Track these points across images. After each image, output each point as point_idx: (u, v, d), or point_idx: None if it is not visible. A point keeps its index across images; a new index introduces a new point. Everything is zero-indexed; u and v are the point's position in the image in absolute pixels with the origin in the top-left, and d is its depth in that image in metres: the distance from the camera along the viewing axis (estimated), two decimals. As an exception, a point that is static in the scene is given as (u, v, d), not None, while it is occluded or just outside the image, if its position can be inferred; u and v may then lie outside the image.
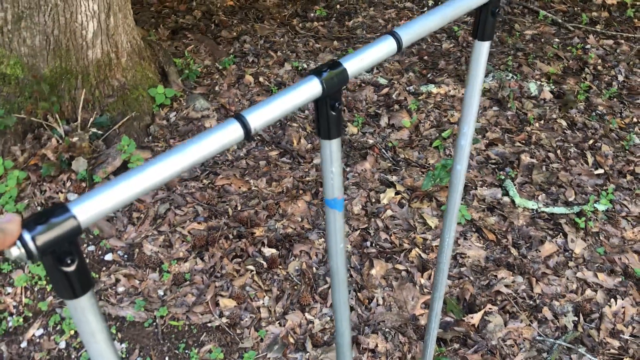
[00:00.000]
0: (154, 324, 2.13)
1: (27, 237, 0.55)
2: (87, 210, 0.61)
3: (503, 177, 2.86)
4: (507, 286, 2.35)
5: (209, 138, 0.72)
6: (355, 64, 0.84)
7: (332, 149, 0.90)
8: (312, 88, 0.80)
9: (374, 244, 2.47)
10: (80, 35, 2.64)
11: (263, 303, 2.22)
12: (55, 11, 2.54)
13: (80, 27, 2.62)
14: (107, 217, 2.44)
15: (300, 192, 2.70)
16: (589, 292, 2.36)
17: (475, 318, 2.21)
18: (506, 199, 2.76)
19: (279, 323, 2.16)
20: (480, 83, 1.15)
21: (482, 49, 1.10)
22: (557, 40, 4.13)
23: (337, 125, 0.87)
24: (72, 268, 0.61)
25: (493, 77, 3.62)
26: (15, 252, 0.56)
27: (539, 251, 2.50)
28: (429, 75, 3.65)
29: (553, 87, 3.59)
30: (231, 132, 0.74)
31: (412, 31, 0.90)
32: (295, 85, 0.80)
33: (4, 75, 2.65)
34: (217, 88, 3.35)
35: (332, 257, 1.04)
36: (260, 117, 0.77)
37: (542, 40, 4.13)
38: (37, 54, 2.61)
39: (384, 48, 0.88)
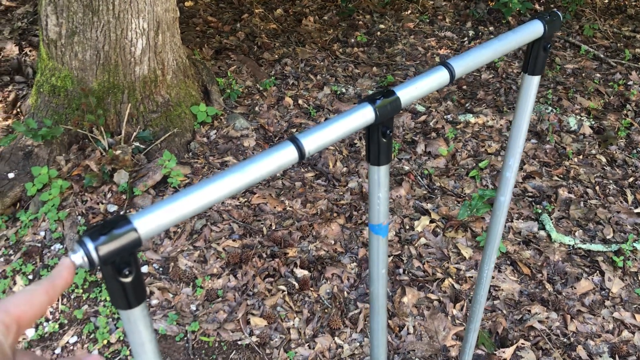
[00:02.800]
0: (185, 338, 2.15)
1: (90, 246, 0.58)
2: (148, 223, 0.63)
3: (540, 211, 2.83)
4: (540, 322, 2.31)
5: (266, 159, 0.74)
6: (409, 92, 0.86)
7: (381, 175, 0.91)
8: (365, 115, 0.82)
9: (406, 272, 2.46)
10: (129, 51, 2.72)
11: (293, 324, 2.22)
12: (107, 27, 2.63)
13: (130, 44, 2.71)
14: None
15: (335, 215, 2.71)
16: (626, 334, 2.30)
17: (507, 353, 2.17)
18: (542, 233, 2.72)
19: (308, 345, 2.16)
20: (529, 116, 1.15)
21: (532, 83, 1.10)
22: (598, 75, 4.10)
23: (387, 152, 0.88)
24: (129, 279, 0.63)
25: (532, 110, 3.59)
26: (78, 260, 0.58)
27: (575, 288, 2.46)
28: (467, 105, 3.64)
29: (593, 122, 3.55)
30: (287, 154, 0.76)
31: (465, 63, 0.92)
32: (349, 112, 0.82)
33: (54, 87, 2.74)
34: (257, 108, 3.41)
35: (373, 282, 1.04)
36: (315, 141, 0.79)
37: (583, 74, 4.09)
38: (87, 67, 2.70)
39: (437, 78, 0.89)
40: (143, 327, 0.69)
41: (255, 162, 0.73)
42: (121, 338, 2.15)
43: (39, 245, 2.44)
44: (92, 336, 2.16)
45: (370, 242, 1.00)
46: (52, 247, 2.42)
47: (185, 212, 0.67)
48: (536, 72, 1.08)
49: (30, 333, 2.18)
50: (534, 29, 1.01)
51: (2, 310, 0.47)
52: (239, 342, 2.15)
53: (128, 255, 0.61)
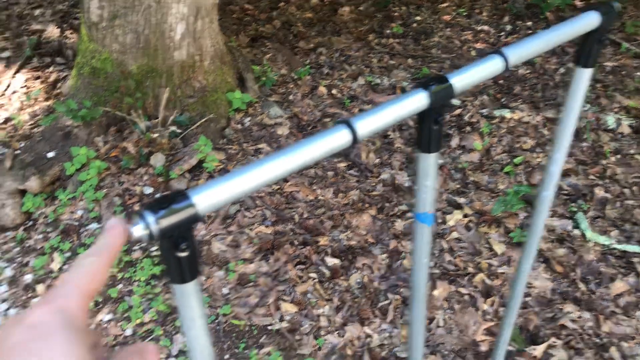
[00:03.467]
0: (217, 321, 2.17)
1: (150, 219, 0.59)
2: (206, 199, 0.64)
3: (575, 209, 2.79)
4: (573, 321, 2.28)
5: (320, 141, 0.75)
6: (462, 80, 0.85)
7: (430, 162, 0.90)
8: (419, 100, 0.81)
9: (437, 265, 2.45)
10: (168, 36, 2.74)
11: (323, 312, 2.23)
12: (148, 12, 2.66)
13: (169, 29, 2.73)
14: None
15: (366, 205, 2.71)
16: (660, 337, 2.26)
17: (539, 350, 2.15)
18: (577, 232, 2.68)
19: (337, 333, 2.17)
20: (578, 110, 1.13)
21: (584, 76, 1.08)
22: (638, 73, 4.00)
23: (438, 140, 0.88)
24: (185, 254, 0.64)
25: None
26: (138, 232, 0.59)
27: (609, 288, 2.42)
28: (503, 100, 3.60)
29: (632, 121, 3.48)
30: (340, 138, 0.76)
31: (520, 52, 0.91)
32: (403, 97, 0.82)
33: (94, 70, 2.78)
34: (291, 97, 3.41)
35: (415, 271, 1.04)
36: (368, 124, 0.78)
37: (623, 72, 4.00)
38: (127, 51, 2.73)
39: (491, 66, 0.88)
40: (195, 302, 0.70)
41: (309, 144, 0.74)
42: (154, 318, 2.18)
43: (77, 223, 2.49)
44: (126, 315, 2.20)
45: (415, 231, 1.00)
46: (89, 226, 2.47)
47: (241, 190, 0.68)
48: (589, 64, 1.06)
49: (66, 309, 2.23)
50: (590, 20, 0.99)
51: (73, 287, 0.47)
52: (269, 327, 2.17)
53: (186, 230, 0.62)
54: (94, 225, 2.47)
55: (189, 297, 0.69)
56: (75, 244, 2.43)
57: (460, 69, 0.87)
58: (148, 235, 0.59)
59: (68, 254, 2.40)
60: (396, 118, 0.81)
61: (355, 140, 0.77)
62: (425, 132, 0.87)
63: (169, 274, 0.66)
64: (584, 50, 1.05)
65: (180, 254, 0.64)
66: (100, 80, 2.78)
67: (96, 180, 2.54)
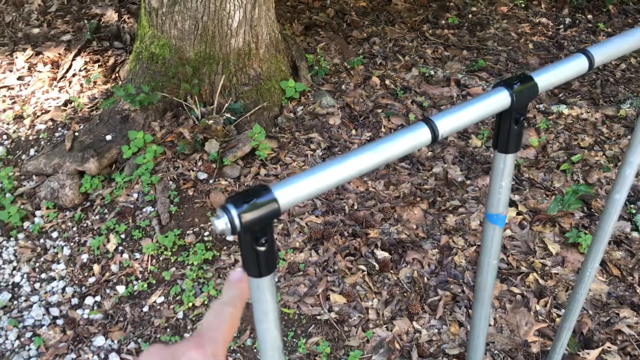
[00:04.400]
0: (266, 308, 2.19)
1: (233, 213, 0.59)
2: (288, 194, 0.63)
3: (634, 211, 2.70)
4: (629, 326, 2.21)
5: (400, 138, 0.74)
6: (547, 79, 0.82)
7: (507, 163, 0.88)
8: (501, 99, 0.79)
9: (489, 262, 2.41)
10: (226, 23, 2.76)
11: (372, 305, 2.23)
12: (207, -1, 2.68)
13: (227, 16, 2.75)
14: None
15: (418, 199, 2.69)
16: None
17: (592, 355, 2.10)
18: (635, 234, 2.60)
19: (386, 327, 2.16)
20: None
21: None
22: None
23: (517, 140, 0.85)
24: (264, 248, 0.64)
25: (631, 104, 3.42)
26: (222, 225, 0.60)
27: (669, 295, 2.34)
28: (560, 95, 3.50)
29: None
30: (420, 135, 0.75)
31: (606, 51, 0.87)
32: (485, 95, 0.80)
33: (152, 55, 2.82)
34: (343, 87, 3.40)
35: (482, 271, 1.02)
36: (449, 123, 0.77)
37: (690, 70, 3.84)
38: (185, 37, 2.77)
39: (576, 66, 0.85)
40: (270, 295, 0.70)
41: (389, 142, 0.73)
42: (205, 302, 2.22)
43: (132, 206, 2.54)
44: (178, 298, 2.24)
45: (485, 231, 0.98)
46: (144, 210, 2.52)
47: (322, 185, 0.67)
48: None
49: (121, 289, 2.29)
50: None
51: (220, 335, 0.54)
52: (318, 317, 2.18)
53: (266, 225, 0.62)
54: (149, 209, 2.52)
55: (264, 291, 0.69)
56: (131, 226, 2.49)
57: (543, 67, 0.84)
58: (231, 229, 0.60)
59: (123, 236, 2.46)
60: (477, 117, 0.79)
61: (435, 138, 0.75)
62: (504, 132, 0.84)
63: (247, 267, 0.67)
64: (670, 50, 1.01)
65: (259, 248, 0.64)
66: (159, 65, 2.82)
67: (152, 164, 2.59)
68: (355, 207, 2.63)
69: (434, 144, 0.80)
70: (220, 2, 2.69)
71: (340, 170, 0.69)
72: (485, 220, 0.97)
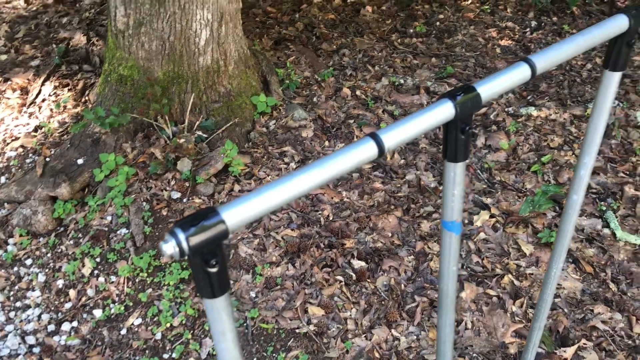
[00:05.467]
0: (245, 324, 2.19)
1: (181, 236, 0.60)
2: (236, 215, 0.65)
3: (604, 208, 2.74)
4: (604, 322, 2.25)
5: (346, 155, 0.75)
6: (489, 88, 0.85)
7: (457, 171, 0.91)
8: (445, 111, 0.82)
9: (464, 266, 2.44)
10: (193, 42, 2.77)
11: (350, 315, 2.24)
12: (173, 18, 2.69)
13: (194, 35, 2.76)
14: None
15: (392, 207, 2.71)
16: (695, 338, 2.21)
17: (569, 352, 2.12)
18: (606, 231, 2.64)
19: (365, 336, 2.17)
20: (607, 114, 1.12)
21: (613, 80, 1.07)
22: (669, 68, 3.92)
23: (464, 149, 0.88)
24: (215, 269, 0.65)
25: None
26: (170, 249, 0.61)
27: (641, 289, 2.38)
28: (529, 98, 3.56)
29: (663, 117, 3.41)
30: (366, 150, 0.77)
31: (547, 58, 0.90)
32: (429, 108, 0.82)
33: (121, 77, 2.82)
34: (315, 99, 3.42)
35: (443, 278, 1.04)
36: (395, 137, 0.79)
37: (653, 67, 3.93)
38: (153, 58, 2.77)
39: (518, 74, 0.88)
40: (225, 316, 0.71)
41: (336, 158, 0.75)
42: (183, 322, 2.21)
43: (106, 229, 2.53)
44: (155, 319, 2.23)
45: (443, 239, 1.00)
46: (119, 232, 2.51)
47: (270, 205, 0.69)
48: (618, 68, 1.05)
49: (98, 314, 2.27)
50: (619, 24, 0.98)
51: None
52: (297, 330, 2.18)
53: (215, 247, 0.63)
54: (123, 231, 2.51)
55: (219, 312, 0.70)
56: (105, 249, 2.47)
57: (486, 77, 0.87)
58: (179, 253, 0.61)
59: (98, 259, 2.44)
60: (422, 129, 0.81)
61: (381, 152, 0.77)
62: (452, 141, 0.87)
63: (200, 289, 0.68)
64: (612, 53, 1.04)
65: (210, 270, 0.65)
66: (127, 87, 2.82)
67: (124, 186, 2.58)
68: (331, 218, 2.64)
69: (381, 157, 0.82)
70: (186, 22, 2.71)
71: (287, 188, 0.70)
72: (442, 229, 0.99)
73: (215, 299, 0.68)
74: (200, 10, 2.71)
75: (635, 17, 0.97)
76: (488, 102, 3.47)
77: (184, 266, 2.39)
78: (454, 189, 0.92)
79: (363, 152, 0.76)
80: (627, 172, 2.99)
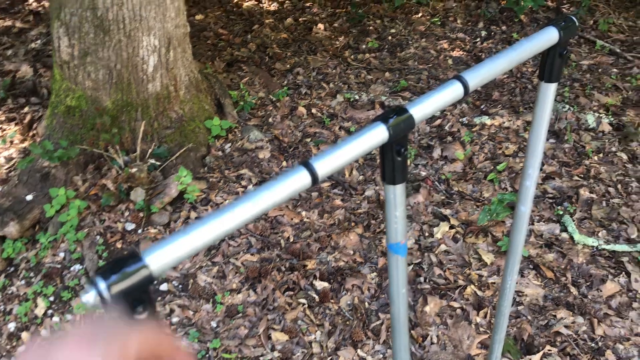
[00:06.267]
0: (207, 355, 2.14)
1: (102, 285, 0.56)
2: (159, 259, 0.61)
3: (561, 212, 2.78)
4: (567, 327, 2.26)
5: (279, 185, 0.73)
6: (422, 109, 0.84)
7: (397, 193, 0.89)
8: (378, 134, 0.80)
9: (427, 280, 2.43)
10: (141, 69, 2.73)
11: (315, 338, 2.20)
12: (119, 46, 2.64)
13: (142, 62, 2.72)
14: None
15: (352, 224, 2.69)
16: (655, 336, 2.24)
17: (534, 360, 2.13)
18: (565, 235, 2.67)
19: (330, 359, 2.13)
20: (547, 125, 1.12)
21: (549, 91, 1.07)
22: (615, 70, 4.03)
23: (402, 171, 0.86)
24: (142, 316, 0.62)
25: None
26: (91, 299, 0.57)
27: (601, 290, 2.41)
28: (482, 107, 3.60)
29: (612, 119, 3.49)
30: (299, 180, 0.74)
31: (479, 75, 0.89)
32: (362, 132, 0.80)
33: (68, 108, 2.76)
34: (270, 119, 3.40)
35: (393, 302, 1.02)
36: (328, 164, 0.77)
37: (600, 70, 4.03)
38: (101, 87, 2.71)
39: (451, 93, 0.87)
40: None
41: (268, 190, 0.72)
42: (143, 357, 2.14)
43: (59, 266, 2.45)
44: None
45: (389, 262, 0.98)
46: (72, 268, 2.43)
47: (197, 245, 0.65)
48: (553, 79, 1.05)
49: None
50: (549, 36, 0.98)
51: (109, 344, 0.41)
52: (261, 358, 2.14)
53: (142, 293, 0.60)
54: (77, 267, 2.43)
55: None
56: (59, 287, 2.39)
57: (419, 97, 0.85)
58: (101, 302, 0.57)
59: (52, 298, 2.36)
60: (357, 154, 0.79)
61: (315, 180, 0.75)
62: (389, 164, 0.85)
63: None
64: (546, 65, 1.05)
65: (137, 317, 0.62)
66: (76, 118, 2.76)
67: (77, 220, 2.51)
68: (291, 240, 2.61)
69: (315, 185, 0.80)
70: (132, 49, 2.66)
71: (215, 226, 0.67)
72: (387, 251, 0.97)
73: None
74: (147, 36, 2.67)
75: (565, 29, 0.97)
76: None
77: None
78: (396, 211, 0.90)
79: (296, 182, 0.74)
80: (582, 175, 3.04)
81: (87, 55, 2.64)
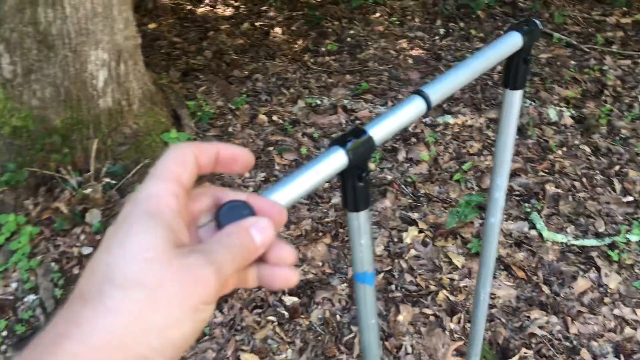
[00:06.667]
0: None
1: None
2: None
3: (529, 210, 2.76)
4: (541, 327, 2.23)
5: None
6: (382, 130, 0.76)
7: (361, 221, 0.82)
8: (336, 160, 0.72)
9: (399, 287, 2.37)
10: (90, 84, 2.61)
11: (286, 356, 2.12)
12: (65, 62, 2.52)
13: (91, 77, 2.60)
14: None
15: (320, 234, 2.62)
16: (628, 330, 2.23)
17: (511, 364, 2.09)
18: (534, 232, 2.66)
19: (304, 377, 2.06)
20: (514, 133, 1.07)
21: (515, 98, 1.02)
22: (573, 62, 4.06)
23: (365, 197, 0.79)
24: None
25: (511, 105, 3.54)
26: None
27: (572, 288, 2.39)
28: (444, 106, 3.57)
29: (573, 111, 3.51)
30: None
31: (441, 88, 0.83)
32: (318, 159, 0.73)
33: (15, 129, 2.62)
34: (230, 129, 3.31)
35: (363, 332, 0.95)
36: (284, 196, 0.69)
37: (558, 63, 4.05)
38: (48, 105, 2.59)
39: (413, 109, 0.80)
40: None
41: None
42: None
43: (11, 297, 2.32)
44: None
45: (357, 292, 0.90)
46: (26, 299, 2.30)
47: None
48: (518, 86, 1.00)
49: None
50: (512, 42, 0.92)
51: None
52: (231, 382, 2.05)
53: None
54: (31, 297, 2.30)
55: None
56: (12, 321, 2.26)
57: (378, 116, 0.79)
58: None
59: (5, 333, 2.22)
60: (314, 184, 0.72)
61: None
62: (350, 191, 0.78)
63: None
64: (511, 72, 0.99)
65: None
66: (23, 139, 2.62)
67: (29, 247, 2.38)
68: (258, 254, 2.52)
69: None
70: (80, 64, 2.54)
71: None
72: (354, 281, 0.90)
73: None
74: (95, 50, 2.55)
75: (529, 34, 0.92)
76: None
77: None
78: (361, 239, 0.83)
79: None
80: (547, 171, 3.04)
81: (32, 73, 2.51)
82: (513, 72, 0.98)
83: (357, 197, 0.78)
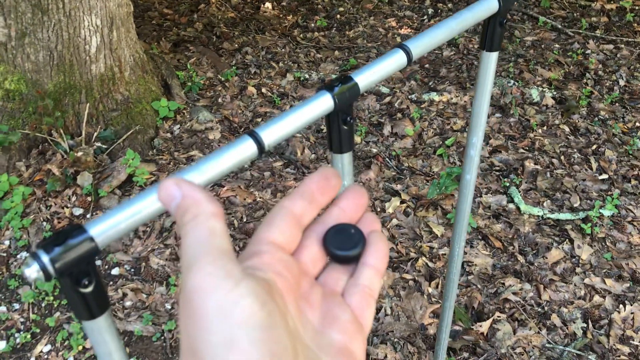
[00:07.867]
0: (162, 337, 2.12)
1: (45, 259, 0.55)
2: (104, 231, 0.60)
3: (508, 184, 2.86)
4: (514, 294, 2.34)
5: (223, 155, 0.72)
6: (366, 77, 0.84)
7: (344, 162, 0.90)
8: (324, 103, 0.80)
9: (380, 254, 2.46)
10: (83, 50, 2.65)
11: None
12: (59, 26, 2.55)
13: (84, 42, 2.63)
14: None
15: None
16: (597, 298, 2.35)
17: (484, 326, 2.20)
18: (511, 205, 2.76)
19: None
20: (489, 94, 1.15)
21: (490, 60, 1.10)
22: (557, 46, 4.15)
23: (348, 140, 0.87)
24: (89, 289, 0.61)
25: (495, 84, 3.62)
26: (33, 274, 0.56)
27: (546, 258, 2.50)
28: (430, 83, 3.65)
29: (555, 93, 3.60)
30: (245, 149, 0.74)
31: (422, 44, 0.91)
32: (307, 101, 0.80)
33: (7, 92, 2.66)
34: (220, 100, 3.36)
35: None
36: (274, 133, 0.77)
37: (543, 46, 4.14)
38: (41, 69, 2.62)
39: (394, 61, 0.88)
40: (109, 336, 0.67)
41: (213, 160, 0.71)
42: (96, 343, 2.11)
43: (4, 254, 2.38)
44: (66, 343, 2.12)
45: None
46: (18, 256, 2.36)
47: (142, 216, 0.64)
48: (494, 48, 1.08)
49: (2, 345, 2.13)
50: (489, 6, 1.00)
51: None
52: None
53: (86, 265, 0.59)
54: (23, 254, 2.37)
55: (100, 332, 0.66)
56: (5, 276, 2.32)
57: (363, 66, 0.86)
58: (44, 276, 0.56)
59: (-2, 288, 2.29)
60: (303, 123, 0.80)
61: (261, 150, 0.75)
62: (335, 133, 0.86)
63: (76, 311, 0.63)
64: (487, 34, 1.07)
65: (83, 290, 0.61)
66: (16, 102, 2.66)
67: (22, 207, 2.43)
68: (245, 220, 2.60)
69: (262, 156, 0.80)
70: (73, 29, 2.58)
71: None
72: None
73: (95, 319, 0.64)
74: (88, 16, 2.59)
75: (504, -1, 0.99)
76: (390, 86, 3.54)
77: (93, 285, 2.28)
78: (344, 180, 0.91)
79: (242, 152, 0.74)
80: (527, 148, 3.14)
81: (26, 36, 2.54)
82: (489, 34, 1.06)
83: (341, 140, 0.86)
